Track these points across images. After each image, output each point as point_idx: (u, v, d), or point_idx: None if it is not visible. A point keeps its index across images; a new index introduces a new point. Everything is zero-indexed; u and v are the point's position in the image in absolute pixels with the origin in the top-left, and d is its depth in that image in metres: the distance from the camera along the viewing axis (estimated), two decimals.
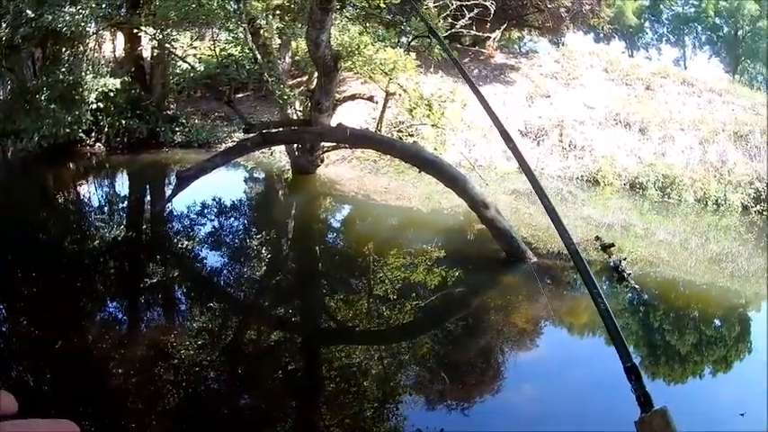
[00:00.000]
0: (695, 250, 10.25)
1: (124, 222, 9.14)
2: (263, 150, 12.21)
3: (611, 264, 7.32)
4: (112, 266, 7.25)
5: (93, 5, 10.46)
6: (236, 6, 10.04)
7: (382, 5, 10.05)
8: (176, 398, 4.17)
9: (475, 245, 8.32)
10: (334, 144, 10.32)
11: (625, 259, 7.36)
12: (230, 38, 10.43)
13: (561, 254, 7.34)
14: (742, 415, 4.35)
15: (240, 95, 15.16)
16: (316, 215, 10.22)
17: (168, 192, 9.68)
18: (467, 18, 13.58)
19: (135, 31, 11.84)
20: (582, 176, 13.96)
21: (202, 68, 11.15)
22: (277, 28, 11.34)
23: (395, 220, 10.23)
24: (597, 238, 8.55)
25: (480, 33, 17.54)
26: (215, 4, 9.74)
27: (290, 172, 11.59)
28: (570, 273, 7.08)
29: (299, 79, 16.24)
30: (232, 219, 9.60)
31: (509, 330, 5.94)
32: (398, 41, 10.54)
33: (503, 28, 19.43)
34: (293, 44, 15.41)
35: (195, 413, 4.06)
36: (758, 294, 8.23)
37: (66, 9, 9.98)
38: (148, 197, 11.07)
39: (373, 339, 5.70)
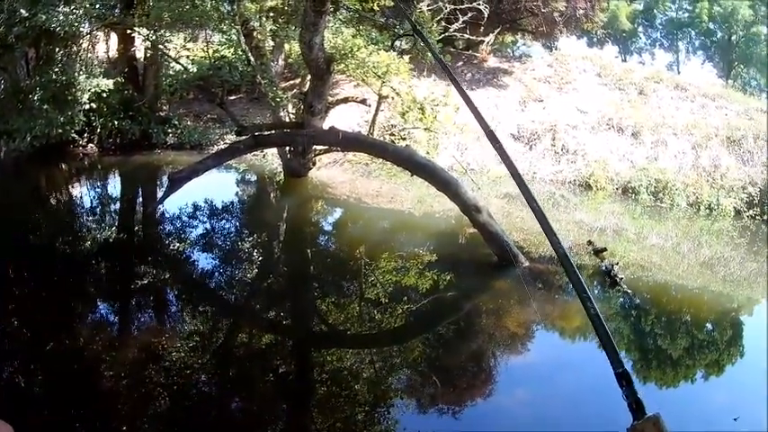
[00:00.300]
0: (687, 254, 10.26)
1: (116, 224, 9.06)
2: (256, 153, 12.17)
3: (603, 268, 7.33)
4: (104, 268, 7.19)
5: (87, 5, 10.42)
6: (229, 8, 10.03)
7: (375, 8, 10.06)
8: (167, 400, 4.14)
9: (467, 249, 8.30)
10: (327, 147, 10.30)
11: (617, 263, 7.36)
12: (223, 39, 10.43)
13: (553, 258, 7.30)
14: (735, 420, 4.35)
15: (233, 97, 15.13)
16: (307, 218, 10.18)
17: (160, 193, 9.63)
18: (460, 22, 13.63)
19: (128, 31, 11.82)
20: (574, 181, 14.00)
21: (195, 70, 11.08)
22: (270, 30, 11.30)
23: (386, 223, 10.20)
24: (589, 242, 8.57)
25: (474, 37, 17.62)
26: (208, 6, 9.74)
27: (282, 175, 11.54)
28: (562, 277, 7.04)
29: (291, 82, 16.23)
30: (224, 221, 9.55)
31: (500, 334, 5.92)
32: (392, 45, 10.54)
33: (496, 32, 19.47)
34: (286, 46, 15.42)
35: (186, 416, 4.04)
36: (750, 299, 8.26)
37: (59, 9, 9.91)
38: (140, 199, 11.01)
39: (364, 343, 5.66)
